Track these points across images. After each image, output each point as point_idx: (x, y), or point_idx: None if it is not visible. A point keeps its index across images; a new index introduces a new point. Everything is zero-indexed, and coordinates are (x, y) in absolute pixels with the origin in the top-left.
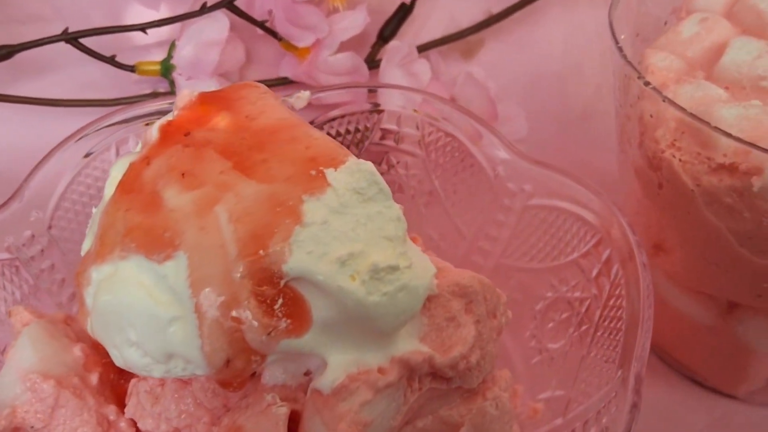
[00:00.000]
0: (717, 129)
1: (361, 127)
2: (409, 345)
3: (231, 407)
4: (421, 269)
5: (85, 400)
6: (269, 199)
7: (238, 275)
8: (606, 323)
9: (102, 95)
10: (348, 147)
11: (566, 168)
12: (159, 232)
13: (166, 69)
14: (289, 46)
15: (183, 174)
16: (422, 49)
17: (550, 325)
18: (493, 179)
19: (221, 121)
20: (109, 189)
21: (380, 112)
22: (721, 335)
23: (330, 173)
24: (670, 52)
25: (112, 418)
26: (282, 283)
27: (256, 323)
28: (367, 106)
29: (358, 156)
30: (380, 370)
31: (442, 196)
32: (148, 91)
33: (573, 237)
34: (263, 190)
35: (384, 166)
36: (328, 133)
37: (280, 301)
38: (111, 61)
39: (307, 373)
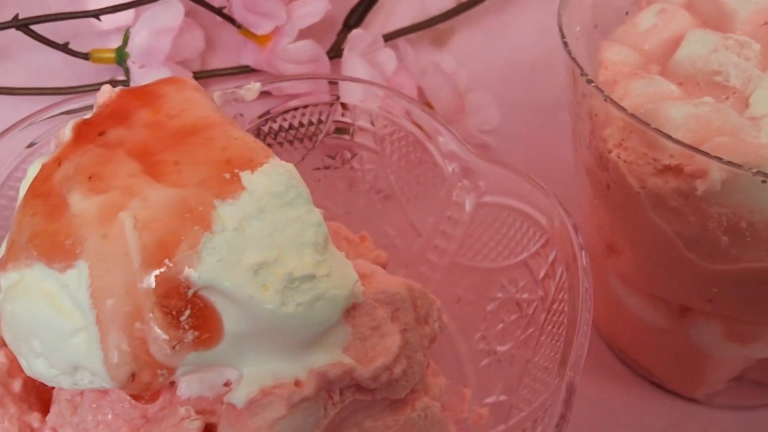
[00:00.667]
0: (657, 131)
1: (315, 120)
2: (330, 356)
3: (149, 418)
4: (340, 278)
5: (5, 407)
6: (178, 204)
7: (142, 286)
8: (549, 327)
9: (61, 83)
10: (302, 140)
11: (521, 164)
12: (61, 239)
13: (121, 57)
14: (248, 33)
15: (90, 177)
16: (390, 37)
17: (500, 326)
18: (447, 176)
19: (139, 119)
20: (23, 190)
21: (333, 104)
22: (675, 338)
23: (246, 176)
24: (626, 45)
25: (35, 425)
26: (190, 293)
27: (160, 336)
28: (325, 98)
29: (312, 149)
30: (297, 383)
31: (398, 192)
32: (107, 79)
33: (523, 237)
34: (172, 195)
35: (338, 161)
36: (281, 126)
37: (188, 312)
38: (64, 48)
39: (227, 384)
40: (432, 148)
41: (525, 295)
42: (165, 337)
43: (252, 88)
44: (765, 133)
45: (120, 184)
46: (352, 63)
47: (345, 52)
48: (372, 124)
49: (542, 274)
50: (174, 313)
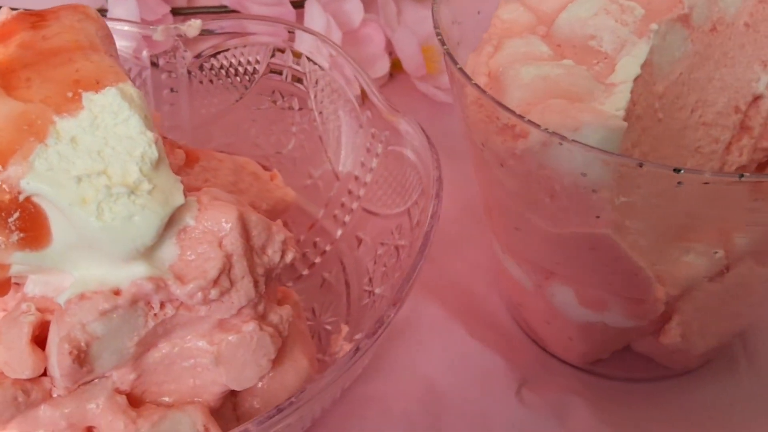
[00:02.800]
0: (476, 86)
1: (252, 60)
2: (153, 271)
3: (6, 311)
4: (163, 198)
5: None
6: (20, 117)
7: None
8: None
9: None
10: (240, 79)
11: None
12: None
13: None
14: None
15: None
16: None
17: (383, 269)
18: (363, 123)
19: (16, 39)
20: None
21: (268, 45)
22: (543, 302)
23: (88, 96)
24: (524, 4)
25: None
26: (21, 198)
27: None
28: (262, 40)
29: (249, 89)
30: (116, 292)
31: (323, 136)
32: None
33: (410, 186)
34: (16, 108)
35: (272, 102)
36: (222, 64)
37: (17, 215)
38: None
39: None
40: (352, 96)
41: (403, 242)
42: None
43: (193, 24)
44: (612, 99)
45: None
46: (312, 10)
47: None
48: (305, 70)
49: (416, 221)
50: (3, 214)
